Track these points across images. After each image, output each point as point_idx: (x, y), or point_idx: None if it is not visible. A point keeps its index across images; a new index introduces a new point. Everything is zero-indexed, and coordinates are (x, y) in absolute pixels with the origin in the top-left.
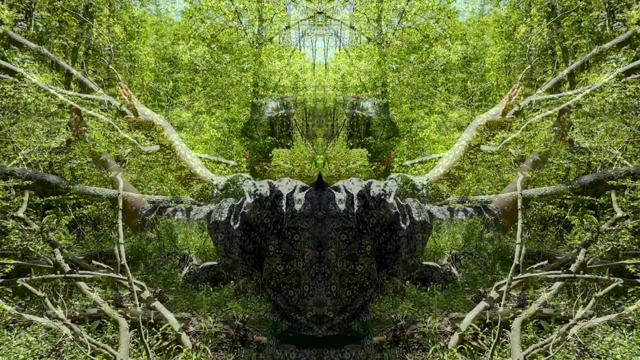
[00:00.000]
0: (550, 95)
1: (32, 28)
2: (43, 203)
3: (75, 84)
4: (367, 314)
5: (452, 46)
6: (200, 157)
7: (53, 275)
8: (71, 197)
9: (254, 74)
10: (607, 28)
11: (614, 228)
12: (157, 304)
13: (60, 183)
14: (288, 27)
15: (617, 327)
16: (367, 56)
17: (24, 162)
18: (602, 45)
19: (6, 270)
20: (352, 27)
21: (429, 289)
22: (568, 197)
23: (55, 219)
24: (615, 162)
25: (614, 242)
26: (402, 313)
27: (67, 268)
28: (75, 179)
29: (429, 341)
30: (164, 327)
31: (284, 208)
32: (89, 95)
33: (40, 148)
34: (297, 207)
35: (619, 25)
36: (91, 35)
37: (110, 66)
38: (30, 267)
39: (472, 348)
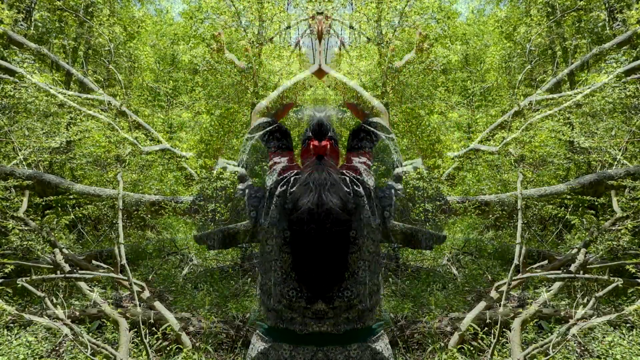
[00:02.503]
0: (550, 95)
1: (32, 28)
2: (43, 203)
3: (75, 84)
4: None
5: (452, 46)
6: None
7: (53, 275)
8: (71, 197)
9: (254, 73)
10: (607, 28)
11: (614, 228)
12: (157, 304)
13: (60, 183)
14: (288, 27)
15: (617, 327)
16: (367, 56)
17: (23, 162)
18: (602, 45)
19: (6, 271)
20: (351, 27)
21: (429, 288)
22: (568, 197)
23: (56, 219)
24: (615, 162)
25: (614, 242)
26: (402, 313)
27: (67, 268)
28: (75, 179)
29: (429, 341)
30: (164, 327)
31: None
32: (89, 95)
33: (40, 148)
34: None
35: (619, 25)
36: (91, 35)
37: (110, 66)
38: (30, 267)
39: (472, 348)
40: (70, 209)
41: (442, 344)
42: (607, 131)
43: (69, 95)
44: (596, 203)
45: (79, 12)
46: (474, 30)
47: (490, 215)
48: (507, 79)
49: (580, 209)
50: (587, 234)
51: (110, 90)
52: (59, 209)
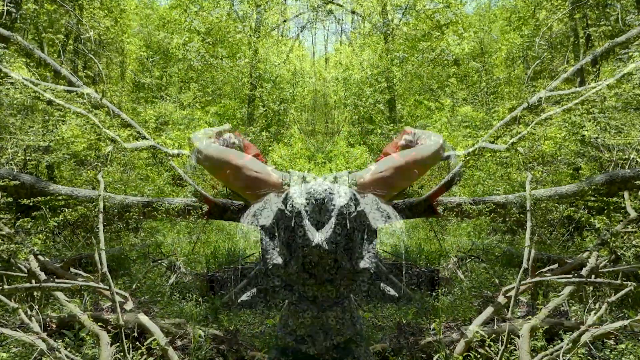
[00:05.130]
0: (569, 90)
1: (17, 21)
2: (16, 205)
3: (54, 76)
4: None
5: (464, 33)
6: None
7: (27, 285)
8: (48, 198)
9: (250, 62)
10: (635, 14)
11: (627, 230)
12: (142, 316)
13: (35, 183)
14: (285, 21)
15: (630, 334)
16: (371, 45)
17: None
18: (619, 36)
19: None
20: (353, 12)
21: (434, 294)
22: (592, 198)
23: (30, 223)
24: (630, 161)
25: (627, 245)
26: (406, 320)
27: (43, 276)
28: (51, 179)
29: (434, 349)
30: (148, 341)
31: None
32: (66, 87)
33: (15, 145)
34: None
35: None
36: (80, 26)
37: (90, 55)
38: (2, 275)
39: (478, 356)
40: (47, 212)
41: (448, 352)
42: (619, 128)
43: (43, 86)
44: (610, 205)
45: (67, 5)
46: (482, 23)
47: (507, 219)
48: (523, 69)
49: (593, 211)
50: (603, 233)
51: (94, 85)
52: (35, 212)
